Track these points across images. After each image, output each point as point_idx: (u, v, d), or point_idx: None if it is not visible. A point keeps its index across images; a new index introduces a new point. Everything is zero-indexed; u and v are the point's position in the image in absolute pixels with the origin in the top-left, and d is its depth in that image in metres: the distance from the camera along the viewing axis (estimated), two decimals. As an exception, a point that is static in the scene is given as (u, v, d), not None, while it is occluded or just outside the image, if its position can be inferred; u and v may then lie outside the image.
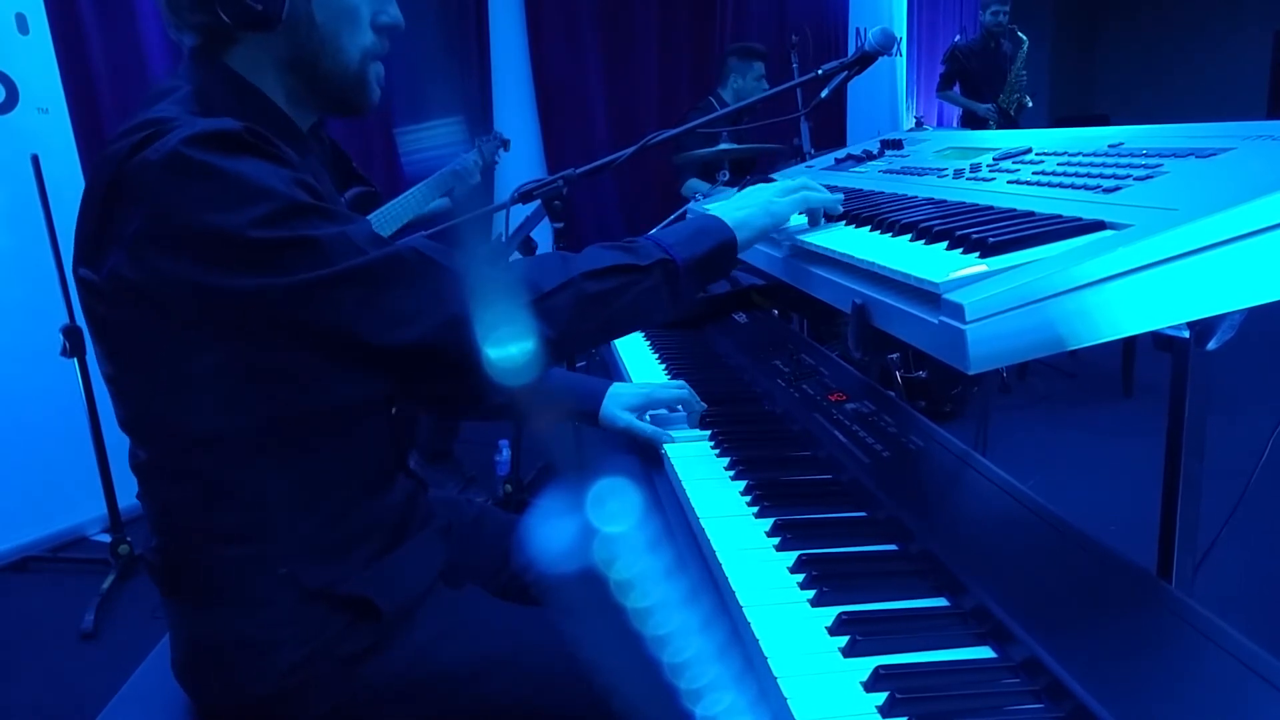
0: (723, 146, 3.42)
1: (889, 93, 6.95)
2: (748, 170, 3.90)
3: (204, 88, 0.92)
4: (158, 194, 0.79)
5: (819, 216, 1.21)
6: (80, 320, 2.57)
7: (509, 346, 0.84)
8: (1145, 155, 0.96)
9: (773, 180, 1.42)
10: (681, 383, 1.39)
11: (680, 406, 1.33)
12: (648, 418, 1.31)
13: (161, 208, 0.79)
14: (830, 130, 5.74)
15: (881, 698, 0.70)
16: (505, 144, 3.06)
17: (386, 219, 2.48)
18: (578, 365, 2.27)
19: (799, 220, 1.22)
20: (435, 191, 2.66)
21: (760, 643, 0.79)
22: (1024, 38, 5.19)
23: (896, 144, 1.66)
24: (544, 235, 2.09)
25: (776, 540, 0.97)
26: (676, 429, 1.30)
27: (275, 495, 0.93)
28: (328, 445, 0.95)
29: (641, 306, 0.99)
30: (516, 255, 2.59)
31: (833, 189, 1.39)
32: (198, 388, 0.86)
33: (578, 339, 0.97)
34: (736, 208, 1.11)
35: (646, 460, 1.27)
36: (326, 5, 0.94)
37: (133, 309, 0.83)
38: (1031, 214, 0.90)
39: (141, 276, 0.80)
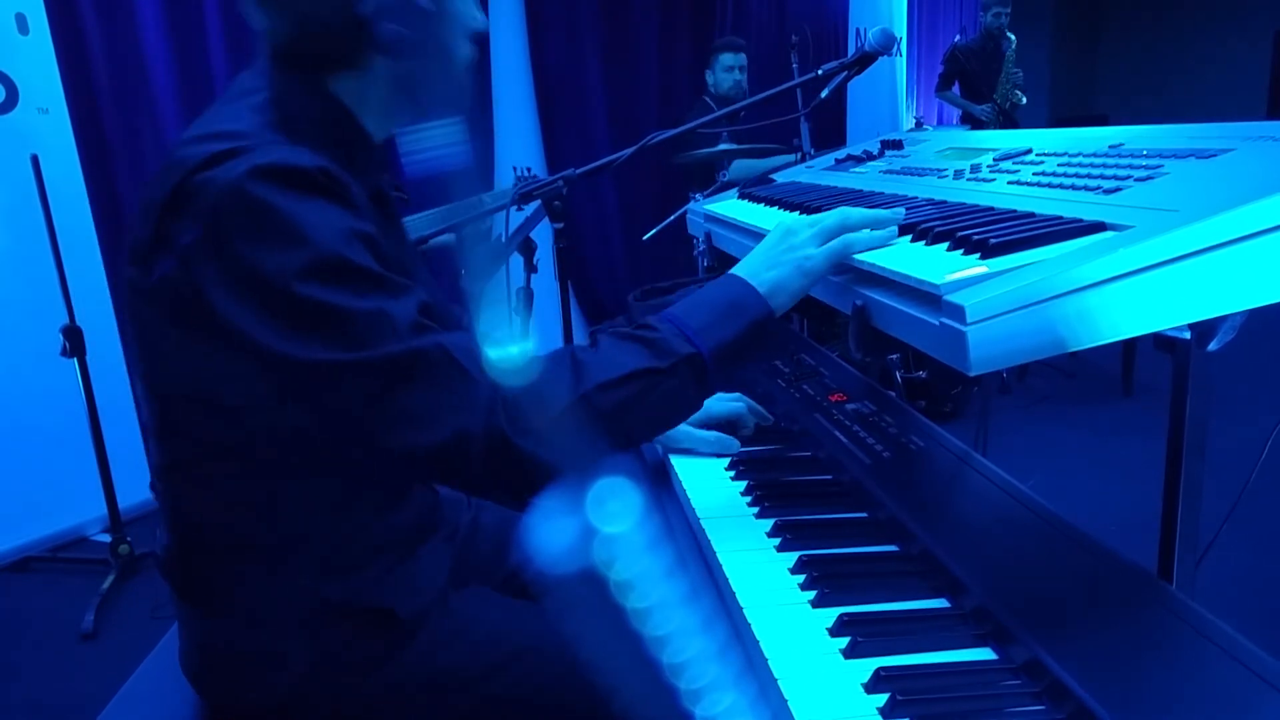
0: (723, 147, 3.42)
1: (889, 93, 6.94)
2: (747, 170, 3.90)
3: (283, 96, 0.90)
4: (215, 218, 0.78)
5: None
6: (80, 320, 2.57)
7: (520, 467, 0.81)
8: (1146, 156, 0.96)
9: (792, 196, 1.40)
10: (738, 395, 1.30)
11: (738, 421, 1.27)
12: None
13: (215, 232, 0.78)
14: (830, 130, 5.73)
15: (882, 699, 0.70)
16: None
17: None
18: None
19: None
20: (443, 220, 2.63)
21: (760, 643, 0.79)
22: (1012, 37, 5.22)
23: (896, 144, 1.66)
24: (544, 235, 2.09)
25: (777, 541, 0.97)
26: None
27: (295, 509, 0.92)
28: (350, 461, 0.94)
29: (666, 410, 0.91)
30: (516, 255, 2.58)
31: (832, 189, 1.39)
32: (225, 401, 0.86)
33: (595, 456, 0.87)
34: (768, 265, 0.96)
35: (647, 460, 1.27)
36: (452, 21, 0.93)
37: (175, 316, 0.83)
38: (1032, 215, 0.89)
39: (188, 288, 0.80)
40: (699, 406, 0.94)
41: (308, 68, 0.92)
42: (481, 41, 1.00)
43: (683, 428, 1.21)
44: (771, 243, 0.99)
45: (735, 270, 0.98)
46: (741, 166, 3.91)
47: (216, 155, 0.80)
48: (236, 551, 0.93)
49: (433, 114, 0.98)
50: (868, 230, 0.97)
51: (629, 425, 0.88)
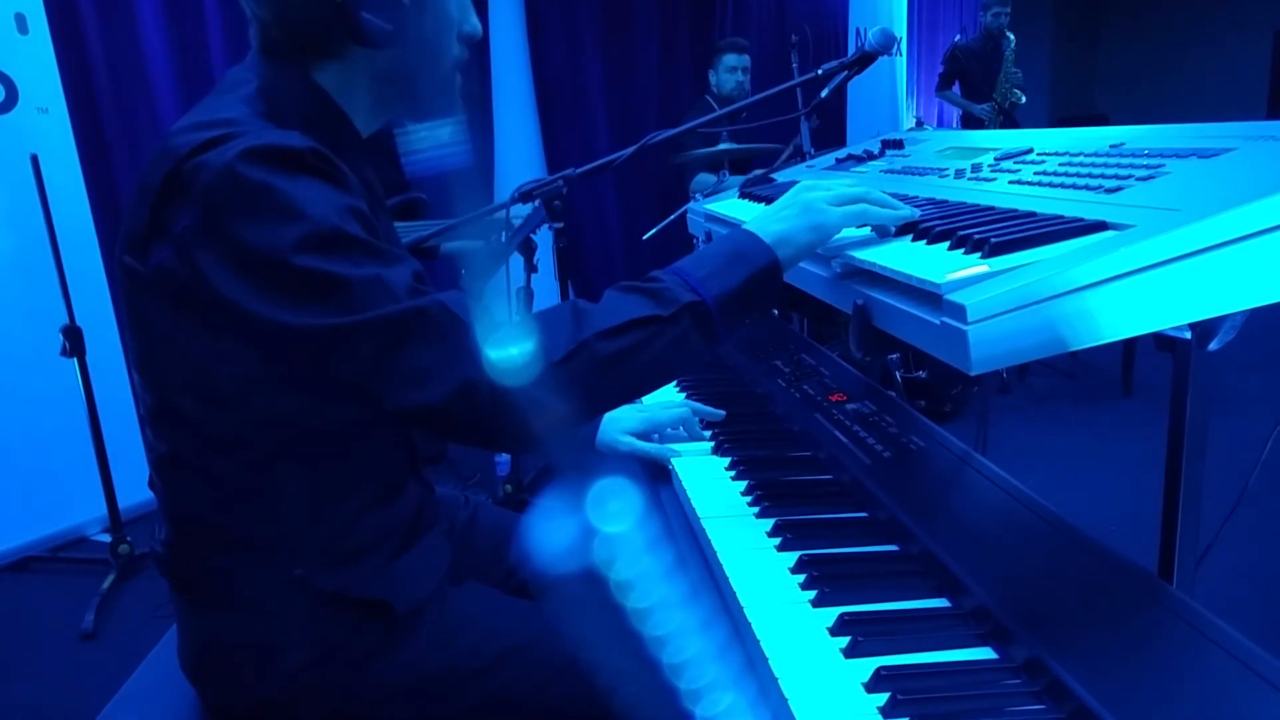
0: (722, 146, 3.42)
1: (889, 93, 6.95)
2: (747, 169, 3.91)
3: (270, 85, 0.92)
4: (210, 200, 0.79)
5: (887, 230, 1.00)
6: (80, 320, 2.57)
7: (525, 414, 0.82)
8: (1147, 155, 0.96)
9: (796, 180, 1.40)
10: (684, 401, 1.36)
11: (682, 427, 1.32)
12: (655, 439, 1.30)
13: (211, 215, 0.79)
14: (830, 130, 5.73)
15: (883, 698, 0.70)
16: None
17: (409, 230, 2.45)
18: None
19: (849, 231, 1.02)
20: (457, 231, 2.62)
21: (761, 643, 0.79)
22: (1012, 37, 5.23)
23: (897, 144, 1.66)
24: (544, 235, 2.09)
25: (777, 540, 0.97)
26: (680, 444, 1.29)
27: (291, 501, 0.93)
28: (346, 452, 0.95)
29: (670, 359, 0.89)
30: (517, 256, 2.58)
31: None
32: (223, 389, 0.87)
33: (598, 404, 0.91)
34: (777, 218, 0.97)
35: (647, 461, 1.27)
36: (436, 19, 0.94)
37: (173, 303, 0.84)
38: (1033, 214, 0.89)
39: (186, 274, 0.81)
40: (705, 356, 0.94)
41: (292, 57, 0.93)
42: (477, 45, 1.00)
43: (627, 439, 1.27)
44: (785, 200, 1.01)
45: (746, 223, 0.99)
46: (700, 180, 3.95)
47: (208, 141, 0.81)
48: (233, 544, 0.94)
49: (417, 112, 1.00)
50: (885, 209, 0.99)
51: (631, 373, 0.88)
